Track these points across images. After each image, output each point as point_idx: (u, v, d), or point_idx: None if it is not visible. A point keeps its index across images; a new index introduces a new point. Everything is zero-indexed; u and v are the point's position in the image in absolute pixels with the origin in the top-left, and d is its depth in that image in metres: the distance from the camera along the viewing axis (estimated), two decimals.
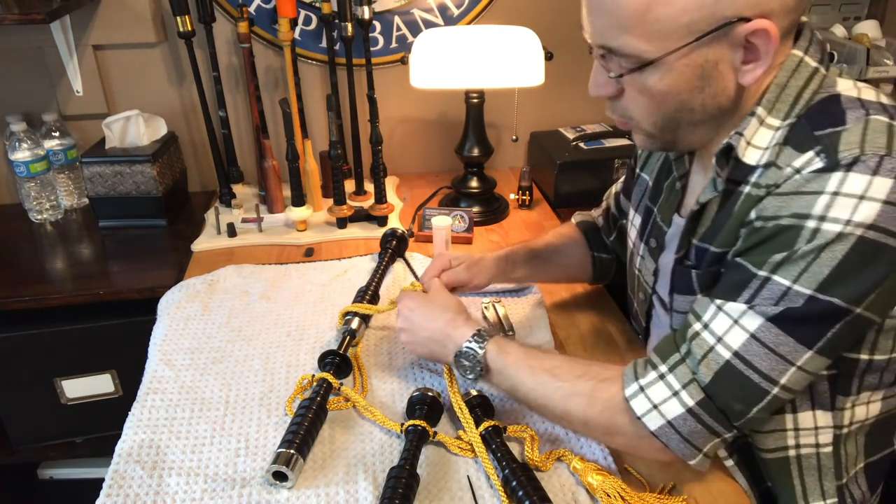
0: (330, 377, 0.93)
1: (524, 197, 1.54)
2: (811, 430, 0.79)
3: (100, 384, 1.34)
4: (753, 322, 0.68)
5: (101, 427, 1.39)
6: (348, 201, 1.43)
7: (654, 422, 0.73)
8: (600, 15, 0.69)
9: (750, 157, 0.71)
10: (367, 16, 1.43)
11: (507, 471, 0.78)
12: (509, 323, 1.09)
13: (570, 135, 1.64)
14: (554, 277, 1.17)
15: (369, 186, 1.52)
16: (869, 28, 1.67)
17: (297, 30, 1.54)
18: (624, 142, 1.60)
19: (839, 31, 1.70)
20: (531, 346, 0.87)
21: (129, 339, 1.19)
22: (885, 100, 0.70)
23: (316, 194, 1.49)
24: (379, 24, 1.57)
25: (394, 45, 1.60)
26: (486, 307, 1.13)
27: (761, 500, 0.84)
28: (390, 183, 1.65)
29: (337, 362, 0.95)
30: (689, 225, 0.80)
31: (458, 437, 0.87)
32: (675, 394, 0.72)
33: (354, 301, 1.12)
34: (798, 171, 0.66)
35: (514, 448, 0.83)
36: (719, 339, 0.70)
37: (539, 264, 1.10)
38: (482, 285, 1.05)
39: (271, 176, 1.47)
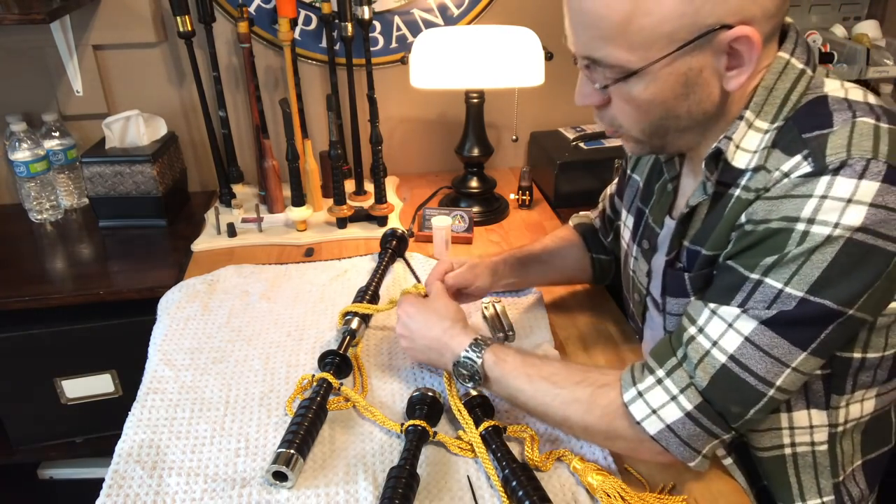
0: (330, 377, 0.93)
1: (524, 197, 1.54)
2: (806, 428, 0.79)
3: (100, 384, 1.34)
4: (747, 326, 0.68)
5: (101, 427, 1.39)
6: (348, 201, 1.43)
7: (653, 426, 0.73)
8: (583, 27, 0.69)
9: (739, 160, 0.72)
10: (367, 16, 1.43)
11: (507, 471, 0.78)
12: (509, 322, 1.09)
13: (570, 135, 1.64)
14: (554, 280, 1.17)
15: (369, 186, 1.52)
16: (869, 28, 1.67)
17: (297, 30, 1.54)
18: None
19: (839, 31, 1.70)
20: (529, 350, 0.87)
21: (129, 339, 1.19)
22: (872, 99, 0.70)
23: (316, 194, 1.49)
24: (379, 24, 1.57)
25: (394, 45, 1.60)
26: (486, 307, 1.13)
27: (759, 499, 0.84)
28: (390, 183, 1.65)
29: (337, 362, 0.95)
30: (680, 227, 0.81)
31: (458, 437, 0.87)
32: (674, 398, 0.72)
33: (354, 301, 1.12)
34: (787, 174, 0.67)
35: (514, 448, 0.83)
36: (714, 343, 0.70)
37: (538, 268, 1.11)
38: (484, 288, 1.05)
39: (271, 176, 1.47)
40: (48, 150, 1.50)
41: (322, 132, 1.65)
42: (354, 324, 1.05)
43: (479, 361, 0.84)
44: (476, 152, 1.46)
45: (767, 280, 0.67)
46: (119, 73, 1.54)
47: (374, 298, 1.13)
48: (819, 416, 0.79)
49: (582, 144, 1.59)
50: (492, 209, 1.50)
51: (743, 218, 0.70)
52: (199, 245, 1.38)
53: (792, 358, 0.68)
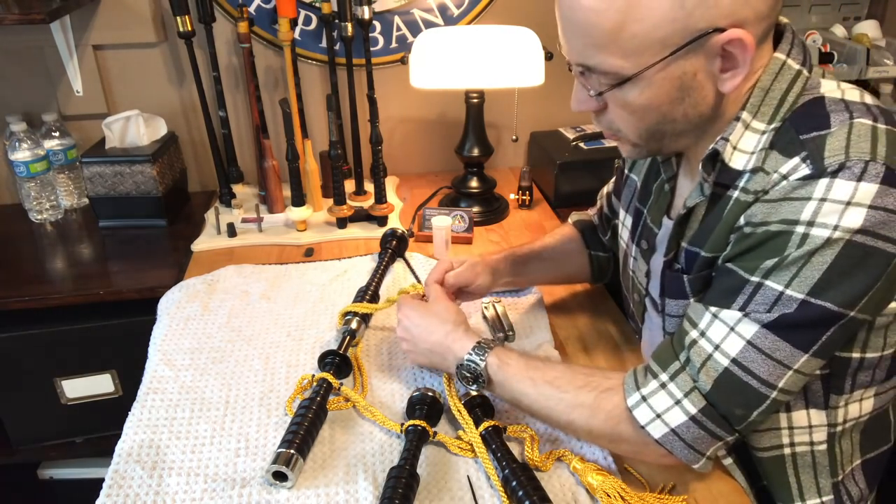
0: (330, 377, 0.93)
1: (524, 197, 1.54)
2: (805, 428, 0.79)
3: (100, 384, 1.34)
4: (749, 329, 0.68)
5: (101, 427, 1.39)
6: (348, 201, 1.43)
7: (657, 430, 0.73)
8: (576, 35, 0.69)
9: (736, 161, 0.72)
10: (367, 16, 1.43)
11: (507, 471, 0.78)
12: (509, 323, 1.09)
13: (570, 135, 1.64)
14: (553, 278, 1.17)
15: (369, 186, 1.52)
16: (869, 28, 1.68)
17: (297, 30, 1.54)
18: None
19: (839, 31, 1.70)
20: (532, 354, 0.87)
21: (129, 339, 1.19)
22: (868, 100, 0.70)
23: (316, 194, 1.49)
24: (379, 24, 1.57)
25: (394, 45, 1.60)
26: (485, 307, 1.13)
27: (758, 498, 0.84)
28: (390, 183, 1.65)
29: (337, 362, 0.96)
30: (677, 228, 0.81)
31: (458, 437, 0.87)
32: (678, 402, 0.72)
33: (354, 301, 1.12)
34: (785, 177, 0.67)
35: (514, 448, 0.83)
36: (717, 347, 0.70)
37: (538, 266, 1.11)
38: (484, 287, 1.04)
39: (271, 176, 1.47)
40: (48, 150, 1.50)
41: (322, 132, 1.65)
42: (354, 324, 1.05)
43: (482, 364, 0.84)
44: (476, 152, 1.46)
45: (768, 283, 0.67)
46: (119, 73, 1.54)
47: (374, 298, 1.13)
48: (818, 416, 0.79)
49: (582, 144, 1.59)
50: (492, 209, 1.50)
51: (742, 220, 0.70)
52: (199, 245, 1.38)
53: (794, 360, 0.68)
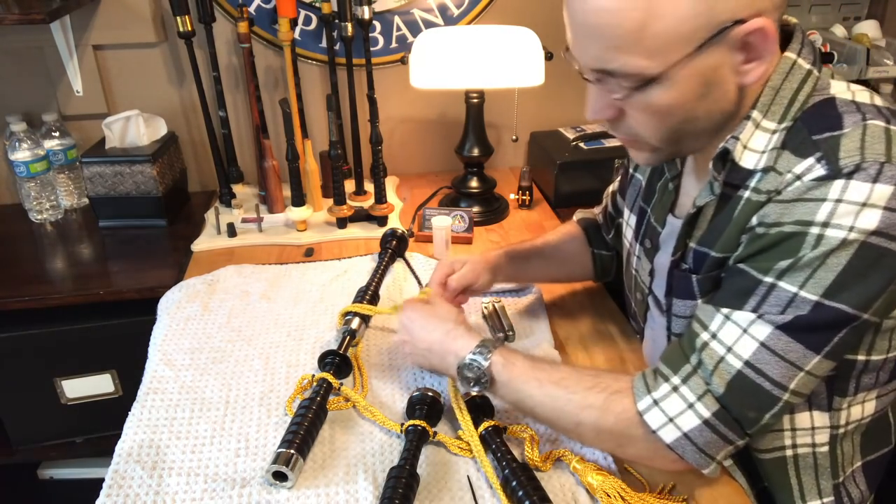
0: (330, 377, 0.93)
1: (524, 197, 1.54)
2: (808, 430, 0.79)
3: (100, 384, 1.34)
4: (763, 331, 0.68)
5: (101, 427, 1.39)
6: (348, 201, 1.43)
7: (669, 435, 0.72)
8: (593, 39, 0.67)
9: (747, 160, 0.71)
10: (367, 16, 1.43)
11: (507, 471, 0.78)
12: (509, 323, 1.09)
13: (570, 135, 1.64)
14: (556, 276, 1.17)
15: (369, 186, 1.52)
16: (869, 28, 1.68)
17: (297, 30, 1.54)
18: None
19: (839, 31, 1.70)
20: (536, 355, 0.86)
21: (129, 339, 1.19)
22: (879, 101, 0.70)
23: (316, 194, 1.49)
24: (379, 24, 1.57)
25: (394, 45, 1.60)
26: (485, 307, 1.13)
27: (759, 500, 0.84)
28: (390, 183, 1.65)
29: (337, 362, 0.95)
30: (686, 227, 0.80)
31: (458, 437, 0.87)
32: (691, 406, 0.71)
33: (354, 301, 1.12)
34: (799, 177, 0.66)
35: (514, 448, 0.83)
36: (729, 349, 0.70)
37: (539, 262, 1.10)
38: (486, 285, 1.04)
39: (271, 176, 1.47)
40: (48, 150, 1.50)
41: (322, 132, 1.65)
42: (354, 324, 1.05)
43: (486, 364, 0.82)
44: (476, 152, 1.46)
45: (781, 284, 0.67)
46: (119, 73, 1.54)
47: (374, 298, 1.13)
48: (821, 418, 0.79)
49: (582, 144, 1.59)
50: (492, 209, 1.50)
51: (754, 220, 0.70)
52: (199, 245, 1.38)
53: (806, 361, 0.68)
